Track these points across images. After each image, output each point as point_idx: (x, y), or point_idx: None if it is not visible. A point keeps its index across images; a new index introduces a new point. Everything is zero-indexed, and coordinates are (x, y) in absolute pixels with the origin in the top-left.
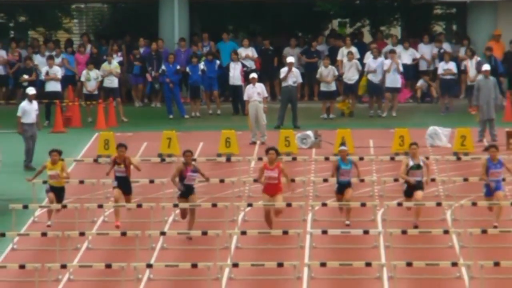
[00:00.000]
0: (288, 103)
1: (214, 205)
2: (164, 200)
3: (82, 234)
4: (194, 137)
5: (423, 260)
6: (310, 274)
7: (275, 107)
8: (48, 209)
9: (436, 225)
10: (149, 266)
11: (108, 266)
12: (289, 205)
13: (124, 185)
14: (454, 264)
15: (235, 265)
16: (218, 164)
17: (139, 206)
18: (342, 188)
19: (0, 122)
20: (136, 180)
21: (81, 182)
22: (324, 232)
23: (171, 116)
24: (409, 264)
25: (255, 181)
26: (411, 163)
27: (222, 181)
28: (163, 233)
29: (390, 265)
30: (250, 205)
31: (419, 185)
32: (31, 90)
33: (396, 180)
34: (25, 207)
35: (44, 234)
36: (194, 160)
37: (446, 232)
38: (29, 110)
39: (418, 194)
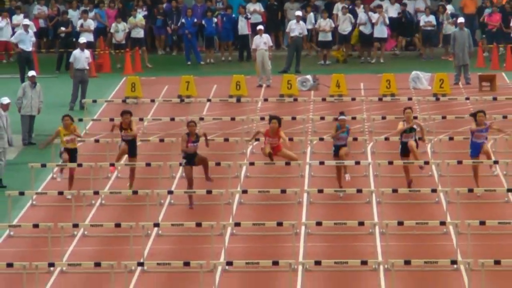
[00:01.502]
0: (295, 51)
1: (226, 140)
2: None
3: (112, 164)
4: (209, 81)
5: (406, 187)
6: (309, 200)
7: (279, 55)
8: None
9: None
10: (170, 192)
11: (135, 194)
12: (290, 139)
13: (131, 148)
14: (434, 191)
15: (244, 191)
16: (229, 104)
17: (161, 140)
18: (338, 150)
19: (42, 68)
20: (158, 118)
21: (111, 119)
22: (322, 163)
23: (189, 63)
24: (394, 191)
25: (262, 119)
26: (405, 126)
27: (233, 119)
28: (181, 164)
29: (378, 192)
30: (257, 140)
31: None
32: (82, 40)
33: (384, 117)
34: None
35: (79, 165)
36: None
37: (426, 163)
38: (79, 57)
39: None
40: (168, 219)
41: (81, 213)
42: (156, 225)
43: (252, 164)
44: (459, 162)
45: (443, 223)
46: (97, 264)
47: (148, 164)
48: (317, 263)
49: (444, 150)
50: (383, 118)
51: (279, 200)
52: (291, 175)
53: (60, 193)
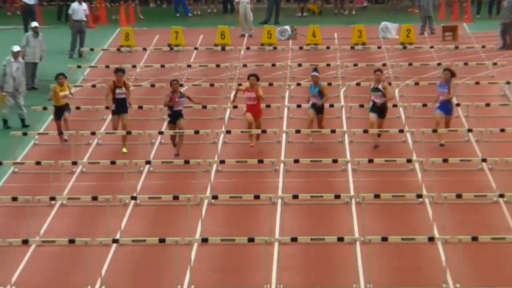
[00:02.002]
0: (274, 4)
1: (212, 85)
2: None
3: (107, 108)
4: (196, 31)
5: (377, 128)
6: (287, 139)
7: (259, 7)
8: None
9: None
10: (161, 133)
11: (129, 134)
12: (271, 84)
13: (122, 105)
14: (401, 131)
15: (228, 132)
16: (214, 52)
17: (152, 86)
18: (314, 109)
19: (44, 19)
20: (150, 65)
21: (107, 66)
22: (299, 106)
23: (177, 15)
24: (365, 131)
25: (244, 66)
26: (372, 86)
27: (218, 66)
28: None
29: (350, 132)
30: (240, 85)
31: (383, 107)
32: None
33: (355, 65)
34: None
35: (78, 108)
36: (181, 85)
37: (395, 106)
38: (77, 9)
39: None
40: (159, 157)
41: (80, 152)
42: (148, 162)
43: (235, 107)
44: (424, 105)
45: (409, 161)
46: (94, 198)
47: (140, 107)
48: (295, 197)
49: (410, 94)
50: (355, 65)
51: (260, 139)
52: (271, 116)
53: (60, 133)
